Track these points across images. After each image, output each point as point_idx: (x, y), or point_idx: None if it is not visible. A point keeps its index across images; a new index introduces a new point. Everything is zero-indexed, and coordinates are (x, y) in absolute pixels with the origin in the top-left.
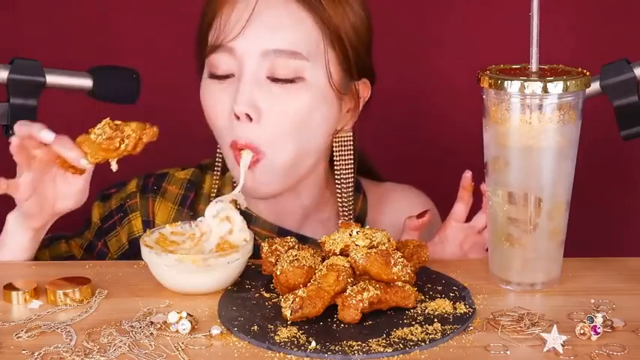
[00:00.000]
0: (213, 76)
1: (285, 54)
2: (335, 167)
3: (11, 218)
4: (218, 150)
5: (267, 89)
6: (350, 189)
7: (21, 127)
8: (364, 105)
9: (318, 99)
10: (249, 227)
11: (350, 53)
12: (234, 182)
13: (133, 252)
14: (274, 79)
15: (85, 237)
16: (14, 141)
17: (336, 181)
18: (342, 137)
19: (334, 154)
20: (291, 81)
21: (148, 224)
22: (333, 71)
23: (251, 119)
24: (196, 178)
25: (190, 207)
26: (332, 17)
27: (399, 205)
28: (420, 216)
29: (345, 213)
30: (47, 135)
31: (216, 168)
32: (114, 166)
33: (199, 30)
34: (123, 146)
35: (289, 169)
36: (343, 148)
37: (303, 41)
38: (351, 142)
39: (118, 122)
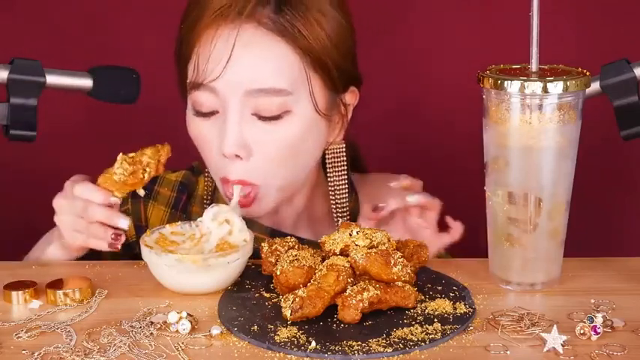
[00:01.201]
0: (198, 113)
1: (269, 92)
2: (328, 175)
3: (51, 249)
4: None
5: (254, 126)
6: (344, 194)
7: (97, 213)
8: (355, 106)
9: (306, 127)
10: None
11: (334, 73)
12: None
13: (126, 259)
14: (260, 117)
15: None
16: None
17: (329, 188)
18: (333, 148)
19: (327, 165)
20: (277, 117)
21: (141, 229)
22: (318, 96)
23: (241, 158)
24: (188, 179)
25: (183, 209)
26: (311, 42)
27: (391, 194)
28: (375, 209)
29: (339, 215)
30: (125, 222)
31: (207, 170)
32: (141, 192)
33: (177, 59)
34: (146, 175)
35: (282, 190)
36: (336, 159)
37: (285, 75)
38: (344, 152)
39: (133, 154)
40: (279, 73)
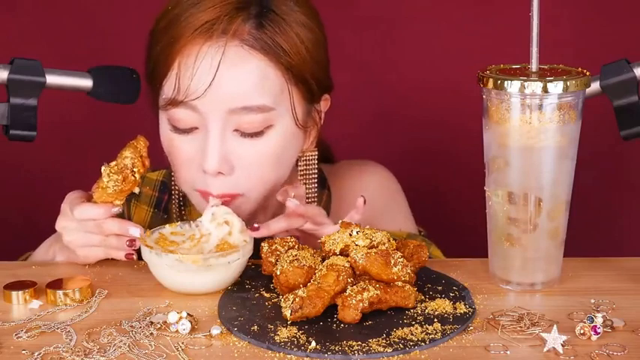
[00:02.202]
0: (176, 129)
1: (253, 110)
2: (299, 179)
3: (59, 256)
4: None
5: (236, 142)
6: (313, 199)
7: (113, 227)
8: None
9: (286, 140)
10: None
11: (313, 85)
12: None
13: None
14: (243, 134)
15: None
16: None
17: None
18: (307, 156)
19: (299, 171)
20: (260, 133)
21: None
22: (298, 109)
23: (223, 174)
24: (168, 178)
25: (165, 209)
26: (292, 58)
27: (361, 181)
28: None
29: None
30: (136, 230)
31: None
32: (137, 190)
33: (150, 75)
34: (137, 176)
35: (263, 198)
36: (309, 166)
37: (268, 92)
38: (316, 159)
39: (115, 162)
40: (262, 91)
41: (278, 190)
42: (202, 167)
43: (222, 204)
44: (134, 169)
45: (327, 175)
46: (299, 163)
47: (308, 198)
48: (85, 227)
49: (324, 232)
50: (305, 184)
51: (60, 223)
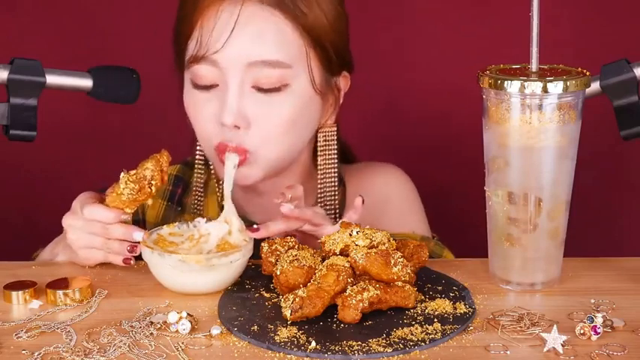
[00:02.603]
0: (197, 86)
1: (270, 64)
2: (319, 158)
3: (61, 255)
4: (198, 150)
5: (253, 99)
6: (333, 179)
7: (117, 231)
8: (346, 94)
9: (302, 103)
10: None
11: (330, 53)
12: (218, 188)
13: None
14: (260, 89)
15: None
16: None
17: (319, 173)
18: (326, 131)
19: (319, 146)
20: (276, 89)
21: (138, 223)
22: (315, 73)
23: (239, 127)
24: (183, 173)
25: (179, 202)
26: (312, 23)
27: (376, 183)
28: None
29: (326, 204)
30: (139, 235)
31: (197, 162)
32: (149, 202)
33: (177, 36)
34: (153, 188)
35: (274, 163)
36: (328, 141)
37: (286, 50)
38: (335, 135)
39: (135, 172)
40: (279, 47)
41: (292, 161)
42: (221, 120)
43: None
44: (152, 182)
45: (345, 174)
46: (318, 138)
47: (327, 173)
48: (91, 228)
49: (324, 232)
50: (324, 159)
51: (67, 220)
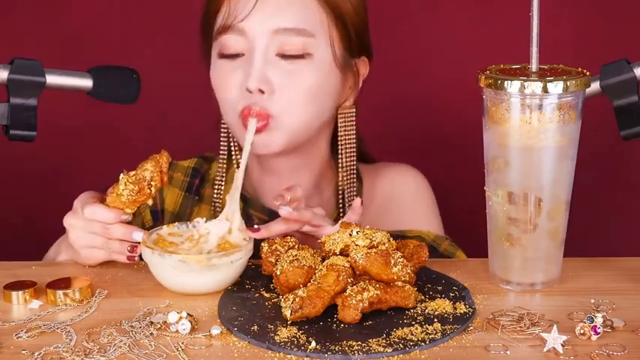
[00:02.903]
0: (224, 55)
1: (294, 32)
2: (339, 139)
3: (64, 254)
4: (222, 130)
5: (277, 66)
6: (353, 160)
7: (117, 231)
8: (364, 82)
9: (324, 73)
10: (245, 209)
11: (351, 31)
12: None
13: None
14: (284, 56)
15: None
16: (108, 255)
17: (340, 154)
18: (345, 112)
19: (339, 128)
20: (299, 57)
21: (157, 214)
22: (336, 47)
23: (263, 92)
24: (200, 165)
25: (196, 192)
26: (335, 0)
27: (393, 182)
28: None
29: (347, 185)
30: (139, 235)
31: (221, 149)
32: (150, 202)
33: (205, 14)
34: (153, 189)
35: (296, 132)
36: (347, 123)
37: (309, 20)
38: (354, 118)
39: (134, 172)
40: (303, 16)
41: (311, 136)
42: (246, 85)
43: (257, 131)
44: (152, 183)
45: (362, 171)
46: (338, 119)
47: (347, 155)
48: (91, 228)
49: (324, 233)
50: (344, 140)
51: (68, 220)
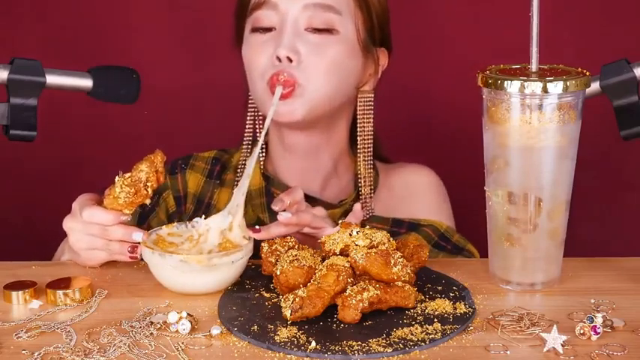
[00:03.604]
0: (256, 29)
1: (322, 7)
2: (358, 123)
3: (66, 255)
4: (249, 110)
5: (306, 39)
6: (370, 143)
7: (117, 233)
8: (383, 73)
9: (347, 50)
10: (267, 188)
11: (374, 18)
12: (262, 158)
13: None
14: (312, 30)
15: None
16: (107, 256)
17: (358, 136)
18: (365, 97)
19: (358, 111)
20: (326, 31)
21: (179, 199)
22: (360, 29)
23: (291, 61)
24: (220, 156)
25: (217, 177)
26: None
27: (407, 180)
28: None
29: (365, 170)
30: (139, 235)
31: (247, 131)
32: (147, 201)
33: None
34: (150, 190)
35: (318, 103)
36: (366, 107)
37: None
38: (372, 102)
39: (129, 174)
40: None
41: (333, 112)
42: (276, 53)
43: (282, 97)
44: (147, 184)
45: (379, 167)
46: (358, 103)
47: (366, 142)
48: (90, 230)
49: (324, 234)
50: (362, 124)
51: (67, 223)
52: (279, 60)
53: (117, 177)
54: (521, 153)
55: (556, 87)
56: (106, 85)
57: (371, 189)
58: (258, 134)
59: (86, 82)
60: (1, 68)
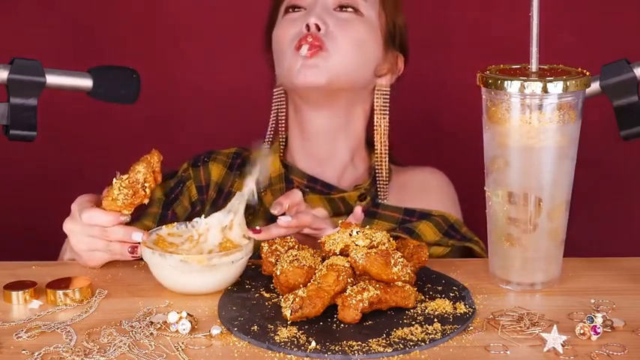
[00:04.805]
0: (288, 10)
1: None
2: (375, 115)
3: (68, 254)
4: (274, 98)
5: (334, 15)
6: (386, 135)
7: (117, 233)
8: (397, 81)
9: (370, 32)
10: (286, 175)
11: (391, 24)
12: (282, 147)
13: (194, 212)
14: (340, 7)
15: (151, 213)
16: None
17: (375, 127)
18: (382, 90)
19: (375, 104)
20: (353, 11)
21: (201, 189)
22: (381, 21)
23: (319, 29)
24: (240, 152)
25: (237, 169)
26: None
27: (418, 180)
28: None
29: (381, 160)
30: (139, 235)
31: (271, 119)
32: (146, 201)
33: None
34: (147, 190)
35: (340, 73)
36: (383, 100)
37: None
38: (389, 96)
39: (126, 176)
40: None
41: (352, 91)
42: (306, 22)
43: (308, 56)
44: (145, 184)
45: (393, 169)
46: (375, 96)
47: (382, 134)
48: (90, 232)
49: (325, 234)
50: (379, 116)
51: (67, 225)
52: (308, 28)
53: (114, 179)
54: (521, 153)
55: (556, 87)
56: (106, 85)
57: (387, 175)
58: (281, 130)
59: (86, 82)
60: (1, 68)
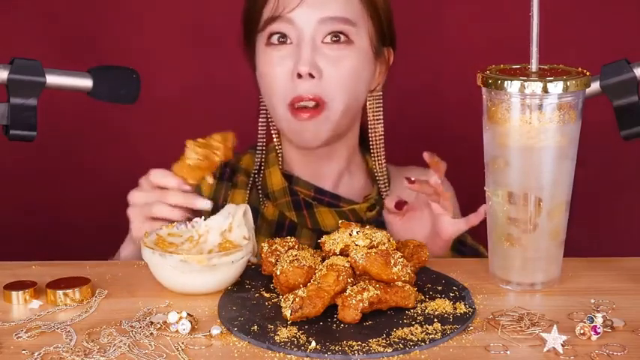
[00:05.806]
0: (271, 44)
1: (338, 20)
2: (369, 122)
3: (124, 245)
4: (261, 117)
5: (324, 52)
6: (381, 139)
7: (176, 197)
8: (388, 70)
9: (363, 59)
10: (290, 187)
11: (383, 22)
12: (280, 159)
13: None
14: (329, 43)
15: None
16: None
17: (370, 133)
18: (375, 95)
19: (368, 111)
20: (343, 43)
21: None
22: (372, 36)
23: (313, 77)
24: (227, 161)
25: (229, 179)
26: None
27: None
28: (397, 206)
29: (379, 164)
30: (206, 204)
31: (260, 135)
32: (210, 180)
33: (251, 7)
34: (217, 158)
35: (340, 119)
36: (375, 106)
37: (351, 10)
38: (382, 100)
39: (201, 140)
40: (346, 7)
41: (348, 118)
42: (297, 70)
43: (310, 118)
44: (217, 152)
45: (390, 169)
46: (368, 102)
47: (377, 139)
48: (150, 198)
49: (440, 211)
50: (373, 122)
51: (132, 193)
52: (300, 76)
53: (187, 141)
54: (521, 153)
55: (556, 87)
56: (106, 85)
57: (386, 185)
58: (274, 137)
59: (86, 82)
60: (1, 68)
